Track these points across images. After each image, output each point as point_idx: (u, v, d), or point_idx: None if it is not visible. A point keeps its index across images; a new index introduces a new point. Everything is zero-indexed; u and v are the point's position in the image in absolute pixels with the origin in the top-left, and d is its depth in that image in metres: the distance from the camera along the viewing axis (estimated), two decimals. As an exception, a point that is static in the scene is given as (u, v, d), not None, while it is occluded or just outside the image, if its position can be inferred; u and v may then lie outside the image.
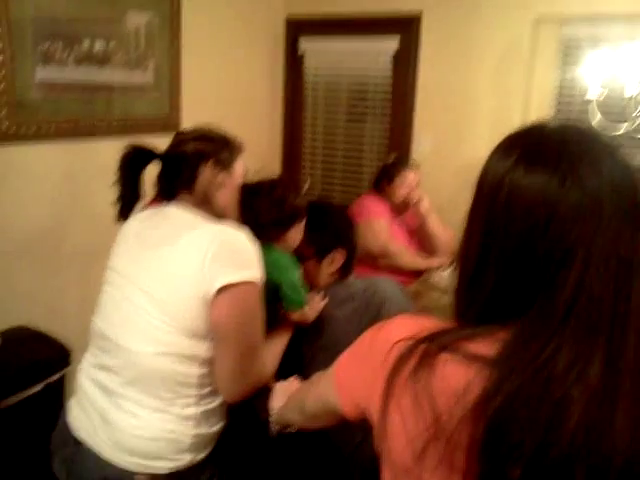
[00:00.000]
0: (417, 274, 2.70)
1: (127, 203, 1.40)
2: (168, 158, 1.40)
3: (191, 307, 1.25)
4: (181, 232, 1.29)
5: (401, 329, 0.74)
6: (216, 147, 1.41)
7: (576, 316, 0.63)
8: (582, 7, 2.98)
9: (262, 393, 1.37)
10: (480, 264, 0.71)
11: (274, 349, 1.53)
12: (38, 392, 2.08)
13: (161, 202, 1.43)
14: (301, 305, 1.56)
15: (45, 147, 2.46)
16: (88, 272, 2.53)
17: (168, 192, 1.40)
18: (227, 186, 1.42)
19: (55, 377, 2.14)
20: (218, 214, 1.39)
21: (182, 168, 1.38)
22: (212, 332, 1.28)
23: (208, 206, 1.39)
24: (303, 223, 1.62)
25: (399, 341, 0.72)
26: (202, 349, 1.29)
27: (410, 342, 0.70)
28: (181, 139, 1.44)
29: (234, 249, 1.27)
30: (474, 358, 0.65)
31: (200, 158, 1.39)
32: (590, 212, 0.65)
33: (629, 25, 2.75)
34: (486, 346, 0.66)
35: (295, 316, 1.57)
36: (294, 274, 1.55)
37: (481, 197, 0.76)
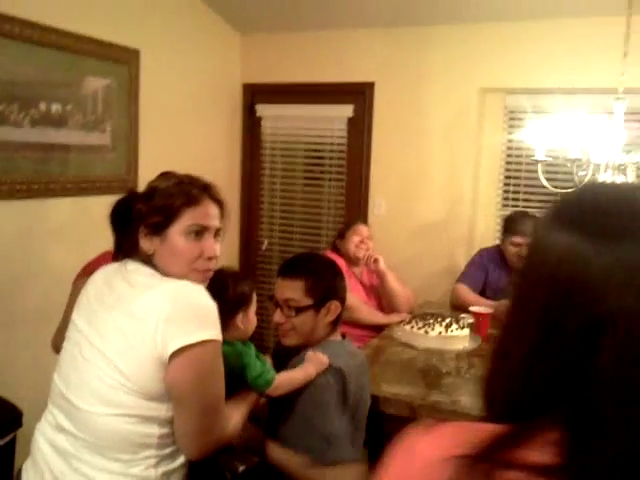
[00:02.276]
0: (378, 329, 2.71)
1: (125, 250, 1.38)
2: (123, 212, 1.39)
3: (147, 370, 1.21)
4: (136, 295, 1.26)
5: (435, 444, 0.65)
6: (150, 209, 1.32)
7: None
8: (523, 81, 3.20)
9: (226, 450, 1.33)
10: (531, 355, 0.63)
11: (241, 407, 1.46)
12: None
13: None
14: (270, 382, 1.48)
15: (-1, 206, 2.42)
16: (40, 332, 2.43)
17: (119, 248, 1.39)
18: (161, 251, 1.32)
19: (6, 439, 2.03)
20: (164, 273, 1.31)
21: (127, 228, 1.36)
22: (168, 393, 1.24)
23: (154, 266, 1.33)
24: (252, 309, 1.57)
25: (444, 460, 0.62)
26: (161, 410, 1.25)
27: (458, 461, 0.61)
28: (150, 188, 1.38)
29: (189, 309, 1.23)
30: (538, 471, 0.59)
31: (137, 220, 1.33)
32: None
33: (566, 97, 2.96)
34: (539, 452, 0.60)
35: (299, 375, 1.52)
36: (250, 356, 1.49)
37: (538, 280, 0.65)
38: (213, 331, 1.25)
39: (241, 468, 1.39)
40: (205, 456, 1.32)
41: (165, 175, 1.44)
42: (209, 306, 1.26)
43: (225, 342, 1.30)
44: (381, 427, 1.85)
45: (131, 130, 3.04)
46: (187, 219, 1.31)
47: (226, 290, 1.46)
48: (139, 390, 1.22)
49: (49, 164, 2.63)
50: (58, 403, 1.32)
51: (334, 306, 1.62)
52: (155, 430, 1.25)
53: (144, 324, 1.21)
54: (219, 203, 1.38)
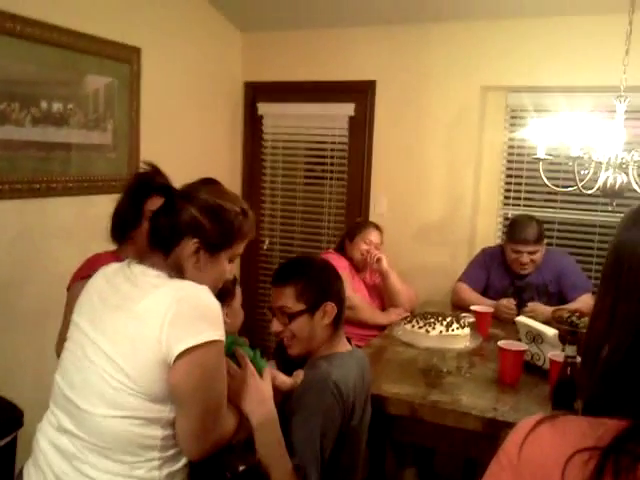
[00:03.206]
0: (380, 328, 2.71)
1: (123, 227, 1.36)
2: (163, 211, 1.33)
3: (151, 372, 1.21)
4: (141, 295, 1.26)
5: (564, 435, 0.66)
6: (213, 226, 1.33)
7: None
8: (525, 79, 3.19)
9: (228, 449, 1.33)
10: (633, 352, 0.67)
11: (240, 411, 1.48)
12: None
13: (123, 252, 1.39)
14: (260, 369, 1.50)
15: (0, 205, 2.41)
16: (42, 331, 2.45)
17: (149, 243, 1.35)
18: (203, 269, 1.34)
19: (6, 440, 2.03)
20: (190, 279, 1.31)
21: (167, 230, 1.32)
22: (171, 394, 1.24)
23: (179, 275, 1.32)
24: (236, 301, 1.57)
25: (578, 451, 0.63)
26: (165, 412, 1.25)
27: (588, 454, 0.62)
28: (192, 192, 1.36)
29: (194, 310, 1.23)
30: None
31: (190, 230, 1.32)
32: None
33: (568, 95, 2.96)
34: None
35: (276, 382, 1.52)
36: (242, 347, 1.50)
37: (624, 275, 0.70)
38: (217, 331, 1.24)
39: (241, 468, 1.38)
40: (205, 456, 1.32)
41: (214, 185, 1.42)
42: (213, 306, 1.26)
43: None
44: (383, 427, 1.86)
45: (132, 129, 3.04)
46: (238, 249, 1.41)
47: None
48: (143, 392, 1.22)
49: (50, 163, 2.63)
50: (61, 404, 1.31)
51: (329, 307, 1.60)
52: (158, 432, 1.25)
53: (149, 325, 1.20)
54: None
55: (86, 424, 1.25)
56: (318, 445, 1.44)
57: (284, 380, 1.55)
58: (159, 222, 1.34)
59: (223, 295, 1.48)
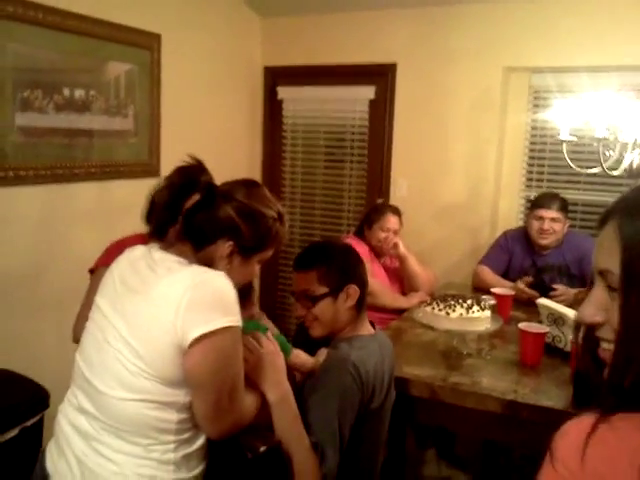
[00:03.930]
0: (399, 311, 2.71)
1: (164, 222, 1.34)
2: (201, 207, 1.32)
3: (166, 356, 1.22)
4: (158, 279, 1.26)
5: (620, 447, 0.62)
6: (250, 230, 1.34)
7: None
8: (549, 59, 3.13)
9: (248, 430, 1.34)
10: None
11: (259, 393, 1.48)
12: (15, 436, 2.01)
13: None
14: (288, 350, 1.53)
15: (24, 191, 2.46)
16: (66, 315, 2.48)
17: (182, 229, 1.33)
18: (234, 269, 1.35)
19: (33, 420, 2.08)
20: None
21: (204, 227, 1.32)
22: (187, 379, 1.25)
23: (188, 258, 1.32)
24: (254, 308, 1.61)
25: None
26: (180, 396, 1.26)
27: None
28: (233, 192, 1.36)
29: (210, 296, 1.24)
30: None
31: (226, 232, 1.33)
32: None
33: (593, 75, 2.90)
34: None
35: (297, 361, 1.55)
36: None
37: None
38: (234, 317, 1.25)
39: (262, 448, 1.40)
40: (227, 436, 1.33)
41: (254, 188, 1.42)
42: (230, 292, 1.26)
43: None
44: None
45: (153, 114, 3.06)
46: (269, 253, 1.44)
47: None
48: (159, 376, 1.23)
49: (73, 149, 2.67)
50: (80, 385, 1.33)
51: (352, 290, 1.61)
52: (174, 416, 1.26)
53: (165, 310, 1.21)
54: None
55: (104, 406, 1.27)
56: (336, 424, 1.44)
57: (307, 359, 1.57)
58: (196, 217, 1.32)
59: (242, 296, 1.50)
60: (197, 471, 1.34)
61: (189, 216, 1.32)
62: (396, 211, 3.03)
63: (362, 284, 1.65)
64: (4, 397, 2.07)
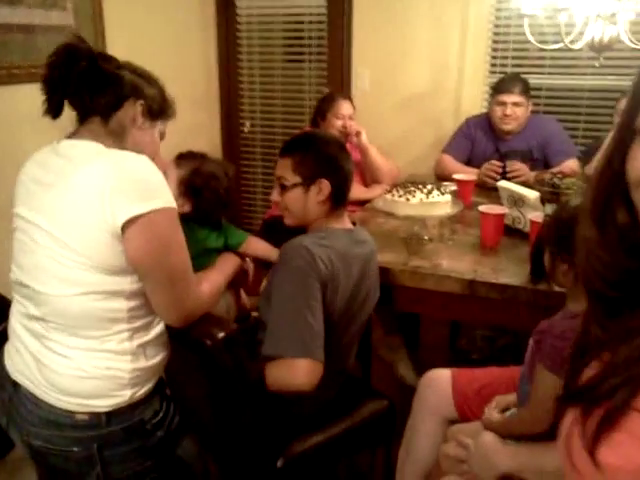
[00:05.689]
0: (362, 202, 2.68)
1: (57, 100, 1.29)
2: (100, 69, 1.27)
3: (101, 243, 1.18)
4: (76, 168, 1.20)
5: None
6: (154, 94, 1.35)
7: None
8: None
9: (205, 319, 1.35)
10: None
11: (213, 277, 1.55)
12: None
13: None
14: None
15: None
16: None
17: (82, 107, 1.29)
18: (145, 132, 1.35)
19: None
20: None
21: (108, 90, 1.28)
22: (132, 268, 1.22)
23: (118, 141, 1.30)
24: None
25: None
26: (125, 283, 1.23)
27: None
28: (119, 64, 1.33)
29: (135, 179, 1.19)
30: None
31: (133, 93, 1.30)
32: None
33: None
34: None
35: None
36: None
37: None
38: (165, 199, 1.21)
39: (220, 335, 1.41)
40: (189, 323, 1.34)
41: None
42: (154, 175, 1.22)
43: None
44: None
45: (95, 8, 2.85)
46: (166, 125, 1.44)
47: None
48: (97, 265, 1.19)
49: (8, 47, 2.48)
50: (21, 292, 1.30)
51: (324, 184, 1.54)
52: (122, 304, 1.24)
53: (88, 196, 1.16)
54: None
55: (48, 306, 1.24)
56: (302, 324, 1.43)
57: (270, 248, 1.65)
58: (96, 84, 1.27)
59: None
60: (157, 360, 1.34)
61: (80, 85, 1.26)
62: (346, 96, 2.96)
63: (340, 179, 1.58)
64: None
